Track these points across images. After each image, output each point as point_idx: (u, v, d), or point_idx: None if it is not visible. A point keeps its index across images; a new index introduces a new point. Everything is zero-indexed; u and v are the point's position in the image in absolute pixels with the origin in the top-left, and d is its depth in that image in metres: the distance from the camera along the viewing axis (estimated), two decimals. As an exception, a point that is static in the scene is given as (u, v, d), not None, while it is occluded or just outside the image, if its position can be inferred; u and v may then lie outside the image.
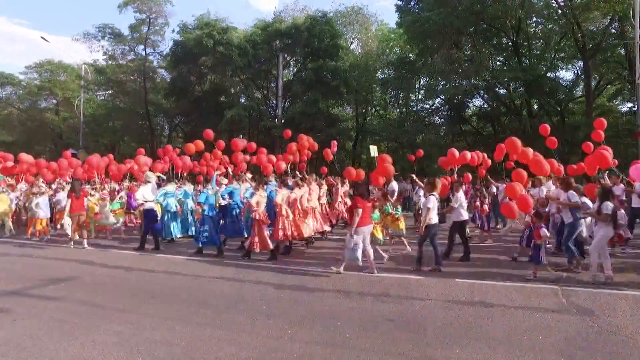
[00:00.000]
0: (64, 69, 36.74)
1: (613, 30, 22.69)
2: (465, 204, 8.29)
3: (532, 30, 24.65)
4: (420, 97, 32.03)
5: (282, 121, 28.43)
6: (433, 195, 7.46)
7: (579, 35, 22.17)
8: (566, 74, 34.17)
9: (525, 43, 24.86)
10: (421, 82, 30.83)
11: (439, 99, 29.59)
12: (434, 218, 7.35)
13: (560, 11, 22.62)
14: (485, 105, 28.47)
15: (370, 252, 7.18)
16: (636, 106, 20.29)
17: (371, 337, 4.43)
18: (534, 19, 24.23)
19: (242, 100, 31.49)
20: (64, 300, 5.74)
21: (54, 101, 37.70)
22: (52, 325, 4.80)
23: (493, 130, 27.39)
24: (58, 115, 36.95)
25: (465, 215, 8.18)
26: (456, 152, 10.55)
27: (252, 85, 31.62)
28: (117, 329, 4.67)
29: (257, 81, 31.41)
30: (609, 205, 6.58)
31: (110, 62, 32.46)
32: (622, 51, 22.34)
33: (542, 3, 23.16)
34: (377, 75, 32.58)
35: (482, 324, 4.79)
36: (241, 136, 21.23)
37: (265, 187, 9.38)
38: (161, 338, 4.43)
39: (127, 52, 32.39)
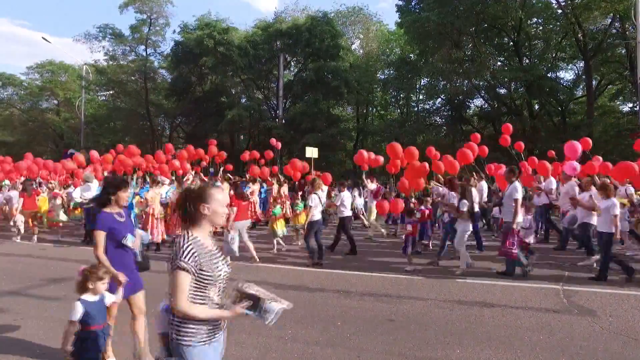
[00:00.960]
0: (65, 69, 36.83)
1: (614, 30, 22.64)
2: (348, 202, 9.11)
3: (532, 30, 24.62)
4: (421, 97, 32.04)
5: (283, 121, 28.44)
6: (315, 194, 8.21)
7: (580, 35, 22.15)
8: (566, 75, 34.07)
9: (527, 43, 24.84)
10: (422, 82, 30.84)
11: (439, 99, 29.63)
12: (316, 215, 8.11)
13: (560, 11, 22.60)
14: (486, 106, 28.46)
15: (249, 244, 8.15)
16: (637, 106, 20.26)
17: (372, 337, 4.42)
18: (535, 19, 24.21)
19: (243, 100, 31.54)
20: (66, 300, 5.72)
21: (55, 102, 37.83)
22: (53, 325, 4.79)
23: (494, 131, 27.32)
24: (59, 116, 37.05)
25: (347, 212, 9.02)
26: (365, 153, 11.76)
27: (253, 85, 31.66)
28: (118, 329, 4.66)
29: (257, 81, 31.45)
30: (465, 203, 7.16)
31: (111, 62, 32.56)
32: (623, 51, 22.30)
33: (541, 4, 23.14)
34: (378, 75, 32.57)
35: (483, 323, 4.78)
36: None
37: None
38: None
39: (127, 53, 32.50)
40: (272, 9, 47.71)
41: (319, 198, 8.19)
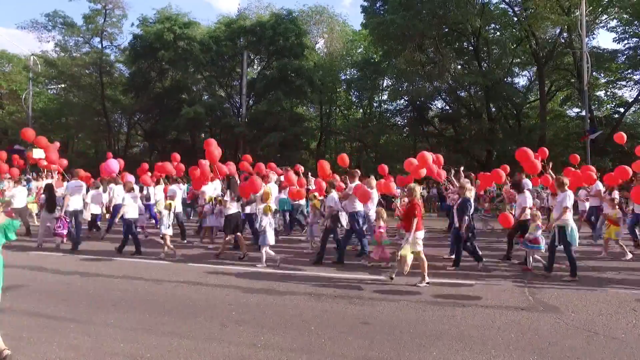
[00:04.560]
0: (9, 59, 34.35)
1: (562, 40, 23.97)
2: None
3: (490, 36, 25.60)
4: (383, 98, 32.49)
5: (246, 119, 27.96)
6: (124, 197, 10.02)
7: (533, 42, 23.27)
8: (520, 80, 35.66)
9: (485, 48, 25.79)
10: (385, 84, 31.30)
11: (402, 100, 30.14)
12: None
13: (515, 19, 23.68)
14: (447, 108, 29.28)
15: None
16: (583, 111, 21.57)
17: (347, 341, 4.32)
18: (492, 25, 25.19)
19: (206, 97, 30.69)
20: (10, 312, 5.20)
21: (-2, 93, 35.20)
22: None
23: (454, 132, 28.20)
24: (3, 109, 34.47)
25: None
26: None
27: (215, 82, 30.92)
28: (73, 343, 4.29)
29: (220, 79, 30.75)
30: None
31: (62, 54, 30.67)
32: (571, 59, 23.68)
33: (498, 11, 24.11)
34: (341, 75, 32.74)
35: (457, 324, 4.81)
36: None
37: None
38: (123, 351, 4.10)
39: (81, 44, 30.77)
40: (234, 10, 46.60)
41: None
